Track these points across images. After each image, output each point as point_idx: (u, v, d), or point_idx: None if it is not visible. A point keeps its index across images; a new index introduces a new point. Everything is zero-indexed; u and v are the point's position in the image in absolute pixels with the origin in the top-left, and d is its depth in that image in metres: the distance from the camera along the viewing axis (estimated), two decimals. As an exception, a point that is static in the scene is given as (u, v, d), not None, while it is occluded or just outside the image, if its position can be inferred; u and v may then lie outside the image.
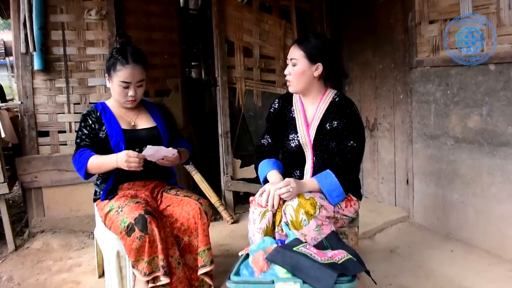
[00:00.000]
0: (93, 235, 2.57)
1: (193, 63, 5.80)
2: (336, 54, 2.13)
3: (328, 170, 1.97)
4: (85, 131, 2.16)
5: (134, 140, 2.18)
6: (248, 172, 3.68)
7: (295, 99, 2.17)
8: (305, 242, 1.79)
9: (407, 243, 2.95)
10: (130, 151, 2.02)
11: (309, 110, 2.12)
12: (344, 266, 1.65)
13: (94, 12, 3.35)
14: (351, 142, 2.00)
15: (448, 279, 2.44)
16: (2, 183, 3.03)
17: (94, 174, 2.17)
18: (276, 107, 2.21)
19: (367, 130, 3.83)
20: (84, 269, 2.77)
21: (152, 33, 3.69)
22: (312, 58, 2.01)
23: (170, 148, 2.12)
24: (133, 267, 1.94)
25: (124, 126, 2.20)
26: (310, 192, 1.92)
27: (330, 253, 1.74)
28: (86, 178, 2.15)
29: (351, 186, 2.03)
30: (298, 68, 2.02)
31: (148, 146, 2.04)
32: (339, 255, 1.72)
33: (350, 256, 1.71)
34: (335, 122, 2.03)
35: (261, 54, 3.78)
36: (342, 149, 2.01)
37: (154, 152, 2.06)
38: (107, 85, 2.23)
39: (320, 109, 2.08)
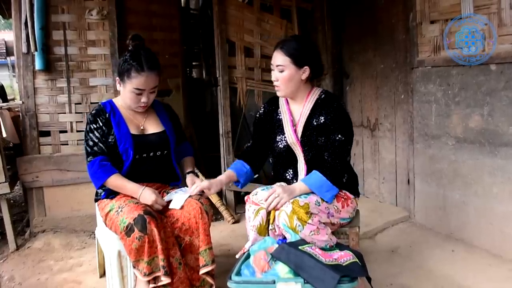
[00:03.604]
0: (94, 234, 2.57)
1: (194, 63, 5.80)
2: (319, 54, 2.17)
3: (314, 170, 1.99)
4: (97, 134, 2.11)
5: (143, 146, 2.17)
6: (249, 172, 3.68)
7: (281, 101, 2.20)
8: (311, 242, 1.80)
9: (408, 243, 2.95)
10: (159, 198, 2.06)
11: (296, 110, 2.15)
12: (348, 269, 1.66)
13: (95, 12, 3.35)
14: (339, 136, 2.02)
15: (449, 279, 2.44)
16: (3, 182, 3.04)
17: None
18: (262, 112, 2.26)
19: (368, 130, 3.83)
20: (85, 269, 2.78)
21: (153, 33, 3.70)
22: (299, 63, 2.04)
23: (192, 189, 2.14)
24: (134, 267, 1.94)
25: (133, 130, 2.17)
26: (304, 197, 1.92)
27: (336, 254, 1.74)
28: (99, 188, 2.17)
29: (342, 180, 2.03)
30: (286, 74, 2.04)
31: (172, 202, 2.09)
32: (345, 257, 1.72)
33: (356, 260, 1.72)
34: (322, 118, 2.05)
35: (262, 54, 3.78)
36: (330, 143, 2.03)
37: (179, 200, 2.10)
38: (117, 88, 2.18)
39: (306, 107, 2.10)
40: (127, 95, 2.13)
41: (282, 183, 2.11)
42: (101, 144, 2.11)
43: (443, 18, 2.86)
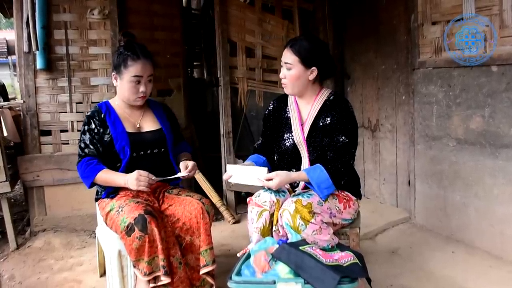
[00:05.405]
0: (95, 234, 2.58)
1: (195, 63, 5.81)
2: (329, 55, 2.15)
3: (318, 164, 1.98)
4: (88, 136, 2.13)
5: (140, 143, 2.18)
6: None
7: (290, 99, 2.21)
8: (312, 243, 1.80)
9: (409, 244, 2.94)
10: (142, 171, 2.01)
11: (304, 109, 2.15)
12: (349, 269, 1.66)
13: (97, 12, 3.36)
14: (343, 137, 2.01)
15: (449, 280, 2.44)
16: (4, 181, 3.04)
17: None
18: (271, 108, 2.26)
19: (369, 131, 3.83)
20: (85, 268, 2.78)
21: (154, 32, 3.70)
22: (307, 63, 2.03)
23: (180, 174, 2.14)
24: (134, 266, 1.94)
25: (129, 128, 2.18)
26: (307, 196, 1.92)
27: (336, 255, 1.74)
28: (91, 187, 2.16)
29: (342, 182, 2.02)
30: (293, 72, 2.04)
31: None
32: (346, 258, 1.72)
33: (356, 261, 1.72)
34: (328, 119, 2.06)
35: (263, 54, 3.78)
36: (334, 145, 2.03)
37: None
38: (114, 84, 2.20)
39: (315, 107, 2.11)
40: (125, 87, 2.14)
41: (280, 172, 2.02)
42: (92, 146, 2.12)
43: (444, 20, 2.86)
